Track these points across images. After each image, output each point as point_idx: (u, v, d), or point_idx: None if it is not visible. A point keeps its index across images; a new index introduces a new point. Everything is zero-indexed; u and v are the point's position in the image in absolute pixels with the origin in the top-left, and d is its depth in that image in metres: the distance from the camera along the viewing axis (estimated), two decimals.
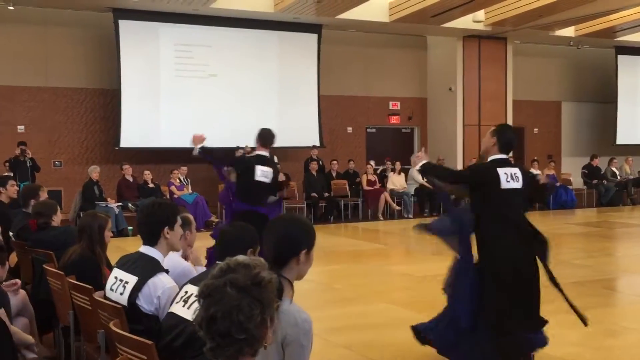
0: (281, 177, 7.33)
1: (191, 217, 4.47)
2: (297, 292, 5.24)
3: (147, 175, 13.95)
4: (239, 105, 15.71)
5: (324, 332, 5.58)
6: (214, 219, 13.78)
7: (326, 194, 15.29)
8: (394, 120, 18.83)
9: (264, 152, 7.20)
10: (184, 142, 15.71)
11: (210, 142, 16.07)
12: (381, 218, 15.35)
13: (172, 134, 15.11)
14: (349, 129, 18.14)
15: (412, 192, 16.05)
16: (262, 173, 6.98)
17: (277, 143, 15.99)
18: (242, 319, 1.66)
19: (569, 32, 18.18)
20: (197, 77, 15.46)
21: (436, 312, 6.44)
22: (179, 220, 3.55)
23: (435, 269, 8.92)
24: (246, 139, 15.45)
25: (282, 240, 2.45)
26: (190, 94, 15.34)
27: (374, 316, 6.55)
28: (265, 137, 7.21)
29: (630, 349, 5.46)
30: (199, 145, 7.08)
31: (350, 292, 7.75)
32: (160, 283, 3.32)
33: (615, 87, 20.27)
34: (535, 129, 20.54)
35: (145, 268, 3.38)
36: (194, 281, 3.09)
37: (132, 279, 3.36)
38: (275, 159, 7.25)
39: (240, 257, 1.79)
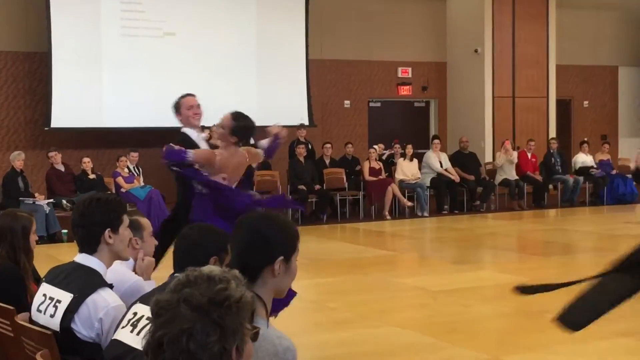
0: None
1: (145, 220, 4.44)
2: (280, 313, 5.24)
3: (86, 163, 13.91)
4: (205, 73, 15.63)
5: None
6: None
7: (317, 187, 15.30)
8: (404, 91, 18.83)
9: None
10: (135, 120, 15.79)
11: (168, 122, 16.07)
12: (388, 217, 15.38)
13: (119, 111, 15.05)
14: (347, 103, 18.14)
15: (428, 184, 16.09)
16: None
17: (261, 122, 16.03)
18: (193, 348, 1.66)
19: None
20: (149, 37, 15.40)
21: (457, 336, 6.47)
22: (126, 221, 3.54)
23: (456, 281, 8.98)
24: (216, 119, 15.42)
25: (251, 245, 2.44)
26: (140, 60, 15.27)
27: (377, 343, 6.54)
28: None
29: None
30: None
31: (348, 311, 7.72)
32: (103, 302, 3.30)
33: None
34: (585, 102, 20.59)
35: (82, 282, 3.36)
36: (145, 300, 3.09)
37: (66, 297, 3.34)
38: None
39: (207, 268, 1.79)
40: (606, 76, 20.77)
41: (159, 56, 15.44)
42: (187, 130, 6.23)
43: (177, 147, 5.78)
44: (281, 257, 2.45)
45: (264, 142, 6.35)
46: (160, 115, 15.24)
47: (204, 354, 1.67)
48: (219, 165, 5.60)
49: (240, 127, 5.71)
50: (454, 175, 16.27)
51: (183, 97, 6.49)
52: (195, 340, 1.67)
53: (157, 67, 15.40)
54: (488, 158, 17.85)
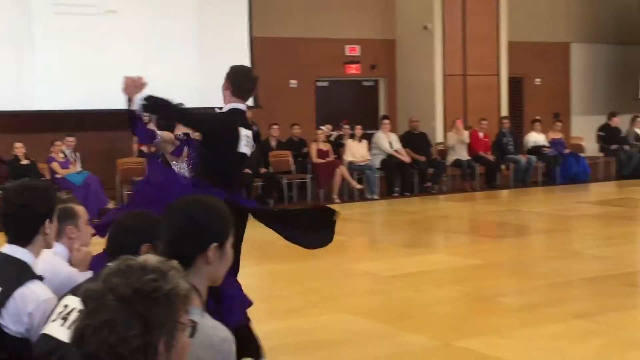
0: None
1: (80, 208, 4.35)
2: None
3: (19, 149, 13.71)
4: (145, 52, 15.45)
5: None
6: (111, 205, 13.61)
7: (263, 170, 15.25)
8: (353, 70, 18.83)
9: (241, 106, 5.65)
10: (71, 103, 15.55)
11: (105, 105, 15.86)
12: (337, 200, 15.39)
13: (53, 94, 14.82)
14: (293, 83, 18.08)
15: (378, 166, 16.14)
16: (247, 141, 5.58)
17: (197, 102, 15.94)
18: (113, 340, 1.64)
19: None
20: (86, 14, 15.16)
21: (408, 322, 6.50)
22: (56, 210, 3.48)
23: (407, 266, 9.02)
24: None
25: (182, 231, 2.40)
26: (77, 39, 15.02)
27: (328, 330, 6.54)
28: (241, 80, 5.66)
29: None
30: (140, 95, 5.37)
31: (298, 299, 7.74)
32: (32, 295, 3.25)
33: (639, 24, 20.65)
34: (537, 80, 20.82)
35: (10, 275, 3.30)
36: (76, 291, 3.02)
37: None
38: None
39: (143, 258, 1.78)
40: (558, 53, 21.00)
41: (95, 35, 15.19)
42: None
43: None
44: (215, 244, 2.41)
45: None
46: (98, 97, 15.13)
47: (124, 348, 1.65)
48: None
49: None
50: (405, 157, 16.35)
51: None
52: (117, 332, 1.65)
53: (94, 46, 15.15)
54: (439, 138, 17.97)
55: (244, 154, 5.55)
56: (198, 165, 5.85)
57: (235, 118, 5.56)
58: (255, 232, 5.55)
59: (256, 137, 5.76)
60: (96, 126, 15.45)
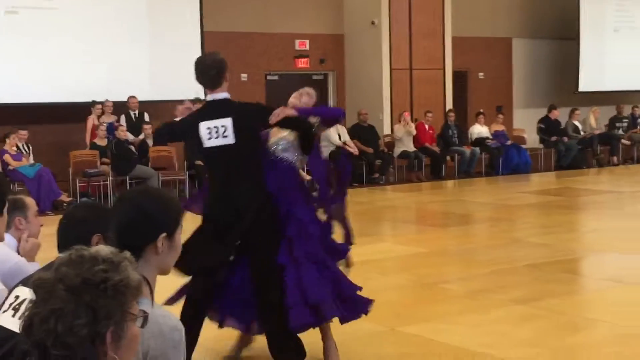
0: (277, 116, 5.18)
1: (30, 200, 4.31)
2: (169, 290, 5.13)
3: None
4: (95, 49, 15.27)
5: (207, 340, 5.51)
6: (64, 197, 13.45)
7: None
8: (302, 64, 18.81)
9: (216, 95, 5.29)
10: (22, 96, 15.29)
11: (58, 98, 15.58)
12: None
13: (6, 87, 14.59)
14: (244, 77, 17.99)
15: (327, 157, 16.12)
16: (211, 132, 5.11)
17: (147, 96, 15.65)
18: (60, 330, 1.62)
19: None
20: (35, 8, 14.92)
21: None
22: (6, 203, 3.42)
23: (356, 254, 8.93)
24: (107, 94, 15.15)
25: (132, 222, 2.37)
26: (30, 34, 14.78)
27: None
28: (206, 69, 5.33)
29: (597, 347, 5.67)
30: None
31: None
32: None
33: (577, 20, 20.94)
34: (481, 74, 21.00)
35: None
36: (27, 282, 2.97)
37: None
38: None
39: (95, 248, 1.76)
40: (501, 48, 21.21)
41: (45, 30, 14.96)
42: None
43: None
44: (164, 234, 2.38)
45: None
46: (49, 91, 14.92)
47: (71, 337, 1.63)
48: None
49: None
50: (353, 148, 16.36)
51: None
52: (64, 321, 1.63)
53: (44, 41, 14.91)
54: (387, 130, 18.03)
55: (215, 147, 5.07)
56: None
57: (197, 114, 5.30)
58: None
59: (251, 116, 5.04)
60: (50, 119, 15.23)
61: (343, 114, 6.05)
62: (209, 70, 5.28)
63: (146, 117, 15.10)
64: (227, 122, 5.08)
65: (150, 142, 14.70)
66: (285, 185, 5.28)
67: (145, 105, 15.25)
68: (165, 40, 15.99)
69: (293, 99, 5.62)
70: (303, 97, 5.66)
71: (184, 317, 4.78)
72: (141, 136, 14.79)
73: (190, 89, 15.86)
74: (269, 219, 5.07)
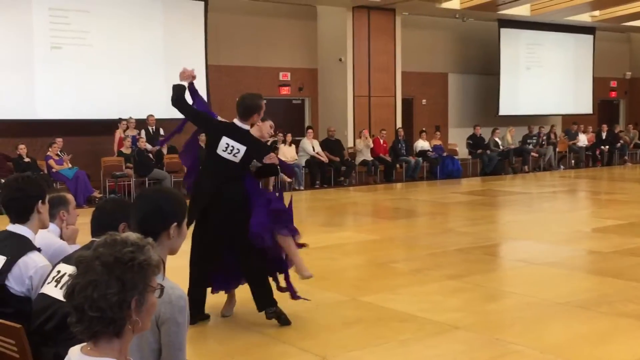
0: (270, 159, 5.49)
1: (70, 196, 4.30)
2: (178, 269, 5.15)
3: (21, 149, 13.31)
4: (122, 76, 15.21)
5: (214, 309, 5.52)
6: (96, 194, 13.36)
7: None
8: (285, 91, 18.81)
9: (241, 124, 5.51)
10: (64, 113, 15.17)
11: (92, 115, 15.43)
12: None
13: (50, 105, 14.52)
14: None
15: (303, 164, 16.15)
16: (228, 147, 5.38)
17: (162, 114, 15.59)
18: (96, 296, 1.64)
19: (454, 4, 18.72)
20: (75, 45, 14.82)
21: (325, 282, 6.54)
22: (46, 193, 3.42)
23: (325, 240, 9.02)
24: (130, 112, 15.06)
25: (151, 213, 2.38)
26: (67, 64, 14.69)
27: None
28: (247, 106, 5.53)
29: (509, 312, 5.74)
30: (187, 82, 5.92)
31: None
32: (32, 262, 3.19)
33: (498, 60, 21.12)
34: (424, 100, 21.10)
35: (14, 247, 3.23)
36: (67, 260, 2.98)
37: (0, 259, 3.20)
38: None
39: (125, 234, 1.77)
40: (439, 80, 21.33)
41: (82, 61, 14.87)
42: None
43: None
44: (175, 223, 2.39)
45: None
46: (85, 110, 14.82)
47: (104, 302, 1.65)
48: None
49: None
50: (324, 157, 16.41)
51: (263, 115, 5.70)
52: (99, 290, 1.65)
53: (81, 70, 14.84)
54: (350, 144, 18.06)
55: (224, 158, 5.40)
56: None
57: (223, 127, 5.58)
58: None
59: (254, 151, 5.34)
60: (85, 132, 15.12)
61: (295, 172, 6.93)
62: (244, 106, 5.57)
63: (161, 131, 15.01)
64: (242, 148, 5.39)
65: (165, 150, 14.60)
66: (253, 188, 5.62)
67: (160, 122, 15.17)
68: (177, 70, 15.50)
69: (267, 127, 5.83)
70: (269, 127, 5.88)
71: (191, 278, 5.37)
72: (157, 146, 14.71)
73: None
74: (243, 207, 5.33)
